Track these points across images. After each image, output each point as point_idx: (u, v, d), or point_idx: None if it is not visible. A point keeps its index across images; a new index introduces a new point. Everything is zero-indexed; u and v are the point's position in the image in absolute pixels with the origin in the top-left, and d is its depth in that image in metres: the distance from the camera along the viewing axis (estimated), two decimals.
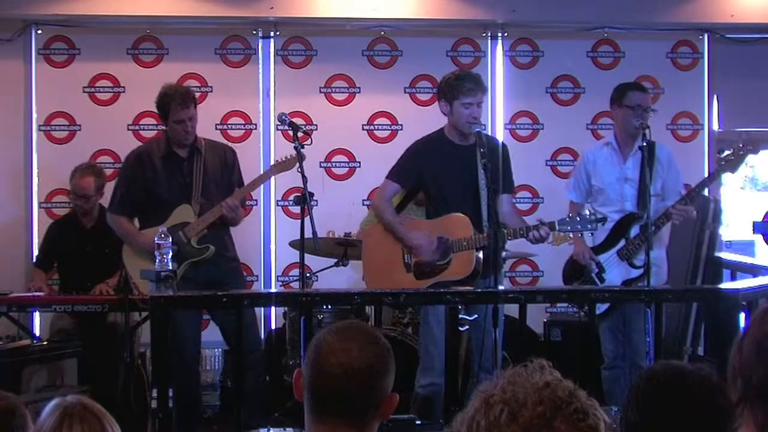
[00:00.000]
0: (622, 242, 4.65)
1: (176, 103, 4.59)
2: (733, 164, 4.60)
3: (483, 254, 4.39)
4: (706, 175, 6.21)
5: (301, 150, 4.42)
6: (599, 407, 1.33)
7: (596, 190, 4.79)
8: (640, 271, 4.55)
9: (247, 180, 4.86)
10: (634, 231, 4.63)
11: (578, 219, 4.30)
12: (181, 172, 4.71)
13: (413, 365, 4.57)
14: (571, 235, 4.62)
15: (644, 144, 4.45)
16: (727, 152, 4.63)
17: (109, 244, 4.95)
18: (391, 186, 4.61)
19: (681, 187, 4.79)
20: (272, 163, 5.77)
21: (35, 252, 6.00)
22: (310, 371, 1.97)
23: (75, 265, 5.26)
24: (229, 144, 5.22)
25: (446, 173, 4.49)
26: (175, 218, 4.66)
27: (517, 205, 5.99)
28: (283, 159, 4.65)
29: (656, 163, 4.67)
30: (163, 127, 4.82)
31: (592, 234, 4.68)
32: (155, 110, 5.96)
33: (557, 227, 4.29)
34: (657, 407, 1.81)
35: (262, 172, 5.25)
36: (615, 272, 4.68)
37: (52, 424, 2.04)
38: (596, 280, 4.69)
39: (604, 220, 4.37)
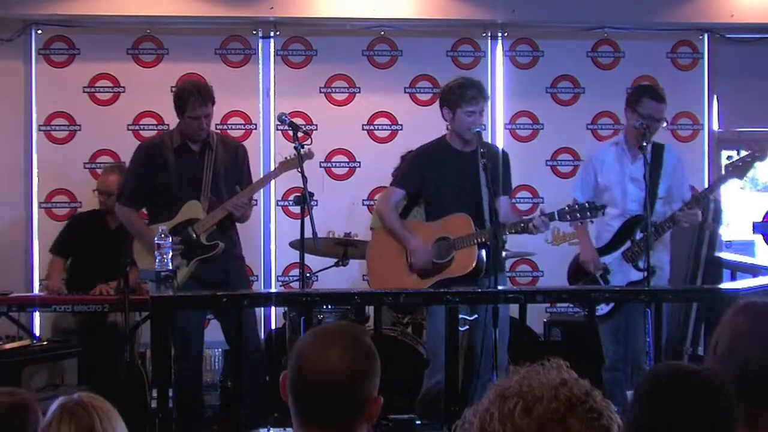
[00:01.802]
0: (628, 244, 4.65)
1: (195, 99, 4.59)
2: (740, 170, 4.58)
3: (485, 253, 4.40)
4: (706, 175, 6.23)
5: (302, 149, 4.42)
6: (613, 409, 1.33)
7: (602, 188, 4.79)
8: (643, 274, 4.55)
9: (253, 179, 4.90)
10: (640, 233, 4.63)
11: (577, 208, 4.33)
12: (191, 166, 4.71)
13: (413, 365, 4.58)
14: (575, 229, 4.62)
15: (644, 144, 4.44)
16: (735, 158, 4.60)
17: (127, 248, 4.92)
18: (396, 192, 4.67)
19: (686, 191, 4.77)
20: (272, 162, 5.79)
21: (35, 252, 6.01)
22: (291, 375, 1.97)
23: (89, 262, 5.25)
24: None
25: (448, 179, 4.52)
26: (184, 214, 4.66)
27: (517, 205, 6.01)
28: (288, 158, 4.65)
29: (663, 167, 4.66)
30: (164, 127, 4.82)
31: (592, 222, 4.68)
32: (155, 110, 6.01)
33: (557, 217, 4.31)
34: (665, 407, 1.81)
35: (264, 174, 5.26)
36: (619, 274, 4.67)
37: (48, 420, 2.08)
38: (600, 281, 4.69)
39: (602, 208, 4.38)
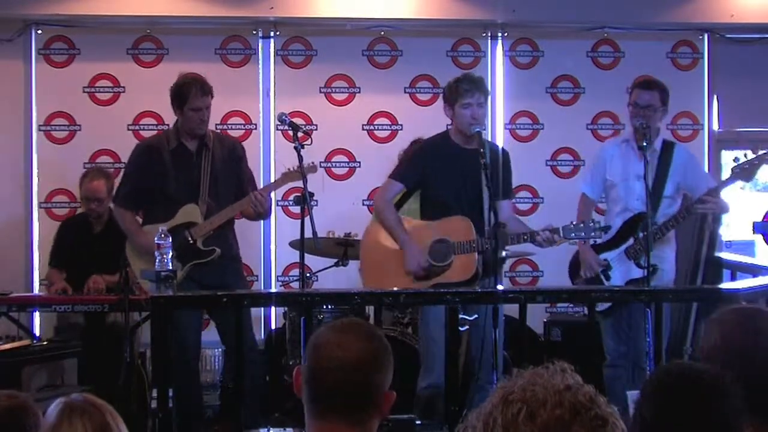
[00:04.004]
0: (631, 241, 4.64)
1: (197, 90, 4.58)
2: (747, 173, 4.56)
3: (483, 256, 4.39)
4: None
5: (306, 164, 4.41)
6: (619, 416, 1.32)
7: (609, 184, 4.79)
8: (644, 271, 4.54)
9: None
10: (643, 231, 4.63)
11: (582, 226, 4.32)
12: (189, 168, 4.68)
13: (413, 365, 4.57)
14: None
15: (644, 144, 4.42)
16: (742, 160, 4.57)
17: (115, 247, 4.92)
18: (393, 186, 4.63)
19: (704, 187, 4.65)
20: (272, 162, 5.78)
21: (35, 252, 6.02)
22: (307, 366, 1.99)
23: (81, 266, 5.25)
24: None
25: (448, 175, 4.49)
26: (182, 217, 4.64)
27: (517, 205, 6.00)
28: (291, 169, 4.60)
29: (671, 165, 4.65)
30: (164, 128, 4.80)
31: (599, 239, 4.67)
32: (155, 110, 6.01)
33: (561, 233, 4.30)
34: (670, 407, 1.81)
35: (271, 181, 5.24)
36: (619, 270, 4.67)
37: (54, 418, 2.07)
38: (602, 276, 4.69)
39: (607, 228, 4.39)
